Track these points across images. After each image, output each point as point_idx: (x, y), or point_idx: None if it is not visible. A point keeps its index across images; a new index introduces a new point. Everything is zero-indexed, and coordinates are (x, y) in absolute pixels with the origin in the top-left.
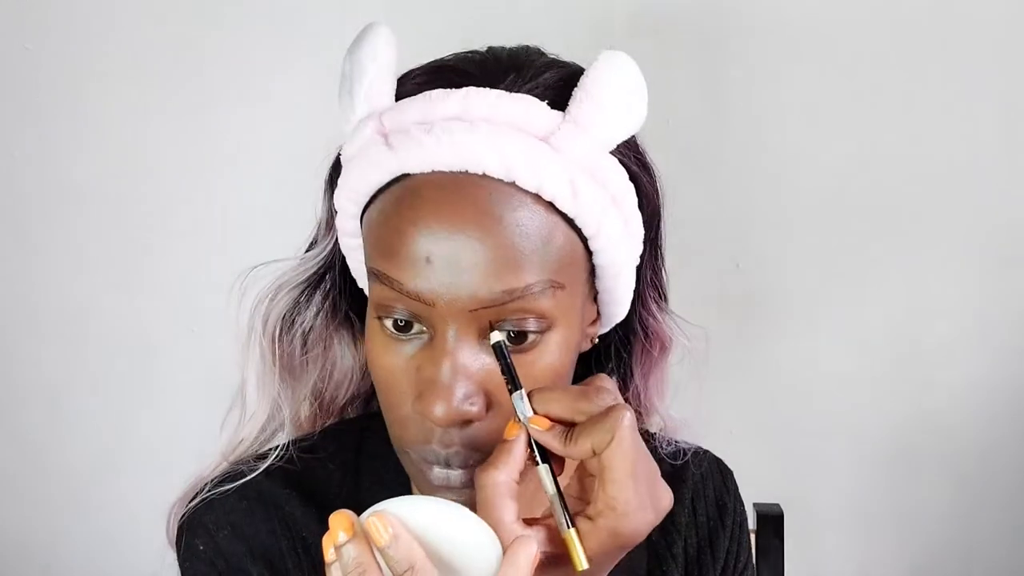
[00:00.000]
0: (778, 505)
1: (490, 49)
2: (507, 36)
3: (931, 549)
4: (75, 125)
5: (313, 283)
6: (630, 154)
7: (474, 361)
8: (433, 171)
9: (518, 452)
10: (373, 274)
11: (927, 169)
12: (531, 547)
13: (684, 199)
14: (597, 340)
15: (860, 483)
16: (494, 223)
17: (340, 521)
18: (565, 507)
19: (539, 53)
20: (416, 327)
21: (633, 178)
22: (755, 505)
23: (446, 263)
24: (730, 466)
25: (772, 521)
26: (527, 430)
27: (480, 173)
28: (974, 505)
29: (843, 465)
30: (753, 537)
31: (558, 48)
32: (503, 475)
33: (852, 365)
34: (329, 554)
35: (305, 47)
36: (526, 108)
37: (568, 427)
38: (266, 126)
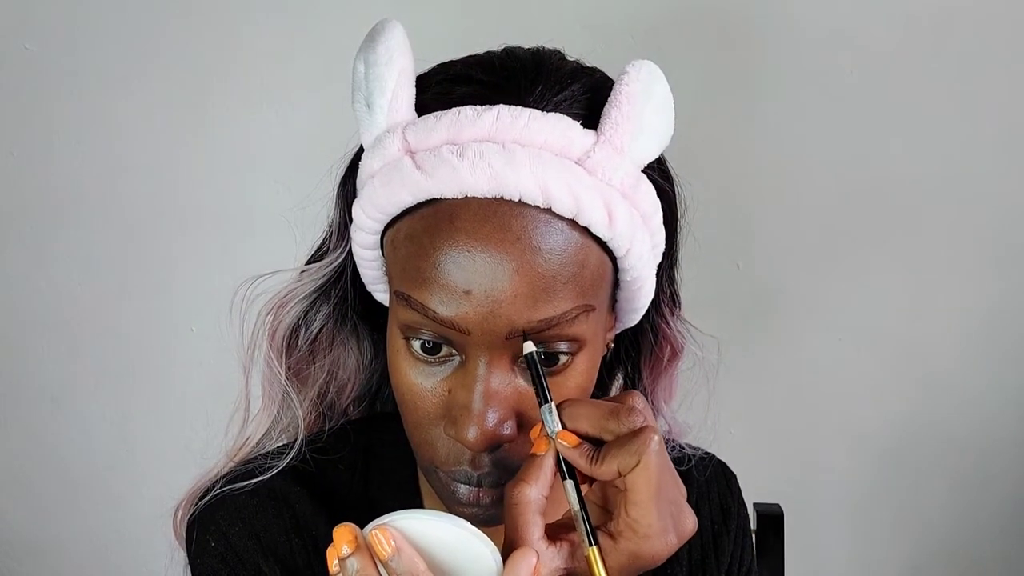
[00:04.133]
0: (778, 505)
1: (510, 54)
2: (508, 35)
3: (931, 549)
4: (76, 126)
5: (323, 293)
6: (657, 167)
7: (506, 386)
8: (467, 197)
9: (548, 467)
10: (402, 297)
11: (928, 170)
12: (531, 558)
13: (685, 200)
14: (612, 344)
15: (860, 483)
16: (532, 253)
17: (343, 534)
18: (589, 524)
19: (561, 58)
20: (445, 350)
21: (660, 193)
22: (755, 505)
23: (484, 294)
24: (730, 466)
25: (772, 521)
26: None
27: (516, 200)
28: (974, 505)
29: (843, 465)
30: (753, 537)
31: (558, 47)
32: (534, 491)
33: (852, 365)
34: (333, 566)
35: (312, 48)
36: (560, 130)
37: (595, 444)
38: (269, 126)
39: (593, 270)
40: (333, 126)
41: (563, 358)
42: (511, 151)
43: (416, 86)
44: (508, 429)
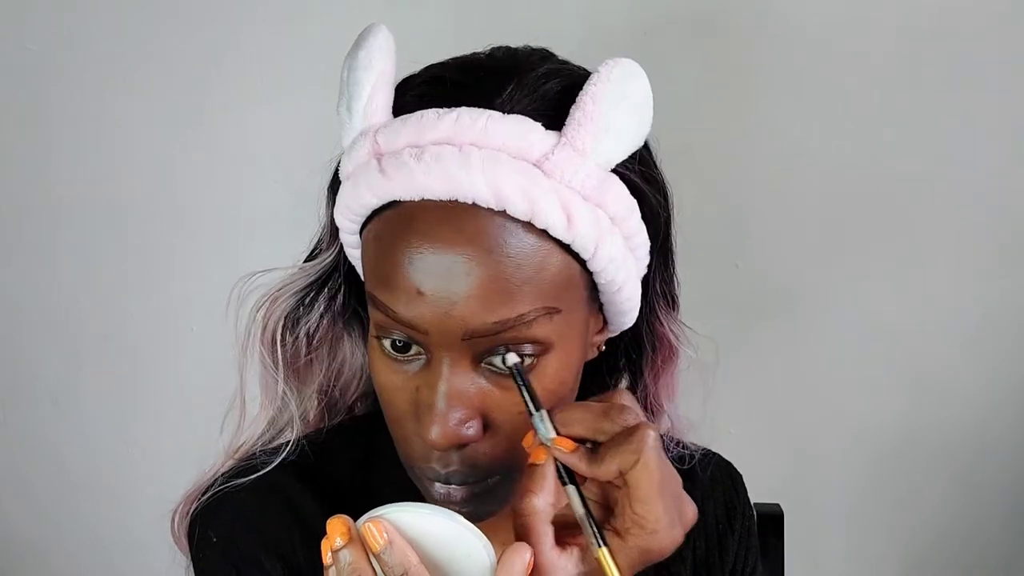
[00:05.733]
0: (778, 505)
1: (491, 55)
2: (507, 35)
3: (930, 548)
4: (76, 126)
5: (318, 285)
6: (634, 167)
7: (470, 385)
8: (424, 199)
9: (551, 475)
10: (370, 297)
11: (927, 169)
12: (525, 554)
13: (684, 199)
14: (604, 347)
15: (860, 483)
16: (484, 254)
17: (337, 526)
18: (596, 525)
19: (543, 58)
20: (414, 349)
21: (636, 192)
22: (755, 505)
23: (437, 295)
24: None
25: (772, 521)
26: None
27: (470, 202)
28: (973, 505)
29: (843, 465)
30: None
31: (556, 47)
32: (542, 501)
33: (852, 365)
34: (327, 558)
35: (313, 47)
36: (519, 132)
37: (591, 446)
38: (268, 127)
39: (554, 273)
40: (334, 126)
41: (528, 360)
42: (467, 153)
43: (401, 88)
44: (472, 429)
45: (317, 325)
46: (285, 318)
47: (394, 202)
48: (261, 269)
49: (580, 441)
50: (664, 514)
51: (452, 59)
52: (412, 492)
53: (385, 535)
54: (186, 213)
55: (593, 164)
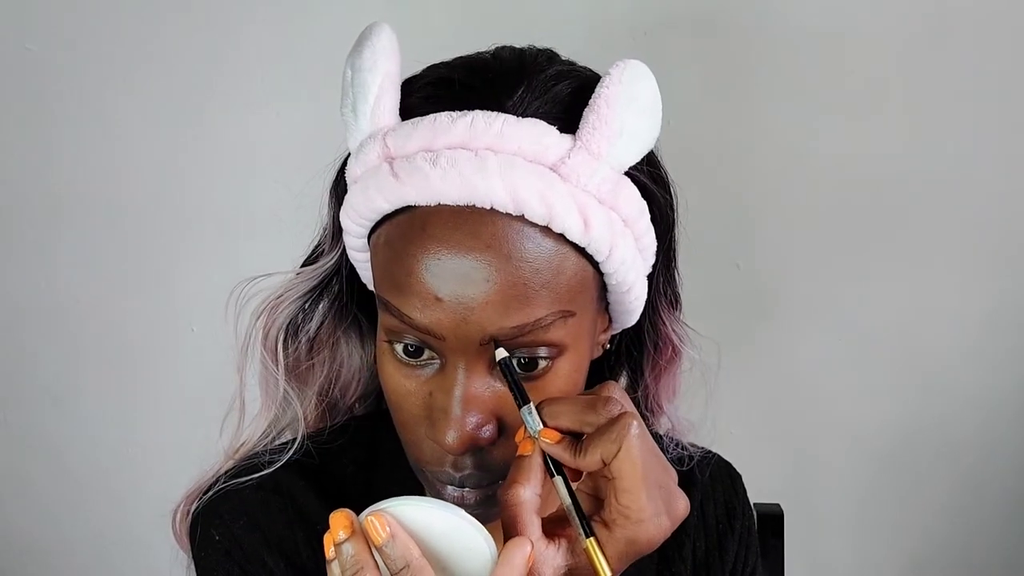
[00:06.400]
0: (778, 505)
1: (497, 56)
2: (506, 35)
3: (930, 549)
4: (76, 126)
5: (319, 290)
6: (643, 168)
7: (485, 389)
8: (439, 204)
9: (537, 466)
10: (382, 302)
11: (928, 169)
12: (526, 547)
13: (684, 199)
14: (608, 345)
15: (860, 483)
16: (503, 260)
17: (339, 520)
18: (583, 516)
19: (549, 59)
20: (427, 353)
21: (647, 194)
22: (755, 505)
23: (455, 300)
24: None
25: (772, 521)
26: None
27: (487, 207)
28: (973, 505)
29: (843, 465)
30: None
31: (557, 47)
32: (528, 492)
33: (852, 365)
34: (329, 552)
35: (314, 47)
36: (535, 136)
37: (577, 438)
38: (270, 126)
39: (570, 276)
40: (335, 126)
41: (543, 363)
42: (483, 158)
43: (405, 88)
44: (487, 432)
45: (318, 330)
46: (287, 326)
47: (407, 207)
48: (261, 273)
49: (568, 433)
50: (648, 503)
51: (456, 59)
52: (416, 491)
53: (387, 528)
54: (186, 213)
55: (608, 167)
